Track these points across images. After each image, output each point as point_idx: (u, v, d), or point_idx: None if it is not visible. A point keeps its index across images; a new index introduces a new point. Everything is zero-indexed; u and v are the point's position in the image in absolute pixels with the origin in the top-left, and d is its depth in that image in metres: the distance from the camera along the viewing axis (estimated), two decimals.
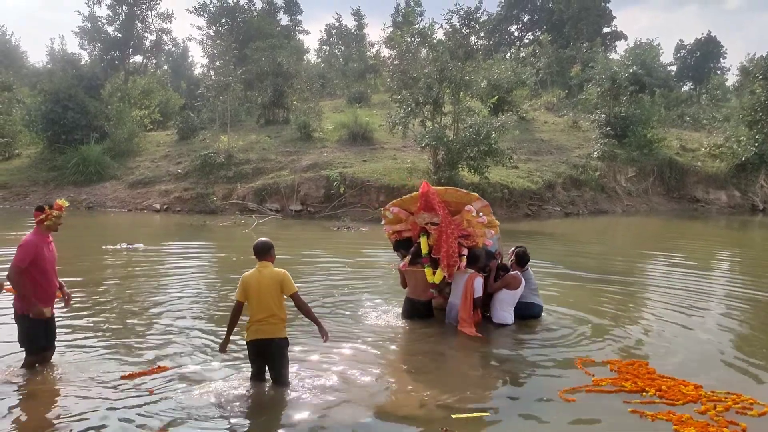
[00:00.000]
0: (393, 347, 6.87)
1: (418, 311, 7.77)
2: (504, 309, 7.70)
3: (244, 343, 5.52)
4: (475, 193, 7.74)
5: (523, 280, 7.77)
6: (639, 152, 27.50)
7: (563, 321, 8.10)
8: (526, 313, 7.87)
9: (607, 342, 7.21)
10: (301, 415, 4.99)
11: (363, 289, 9.84)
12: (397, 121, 22.75)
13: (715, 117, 35.61)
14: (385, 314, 8.17)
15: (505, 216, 21.13)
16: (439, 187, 7.79)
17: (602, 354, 6.72)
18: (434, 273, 7.52)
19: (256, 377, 5.45)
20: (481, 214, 7.51)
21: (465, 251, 7.50)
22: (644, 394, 5.51)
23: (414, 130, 23.12)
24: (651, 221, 23.55)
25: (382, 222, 8.25)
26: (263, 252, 5.44)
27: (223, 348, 5.53)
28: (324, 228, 18.73)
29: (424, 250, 7.58)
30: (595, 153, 27.24)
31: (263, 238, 5.57)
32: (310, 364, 6.06)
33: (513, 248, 8.24)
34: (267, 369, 5.44)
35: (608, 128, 28.32)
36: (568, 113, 33.33)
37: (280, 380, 5.39)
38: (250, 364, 5.49)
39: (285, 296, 5.36)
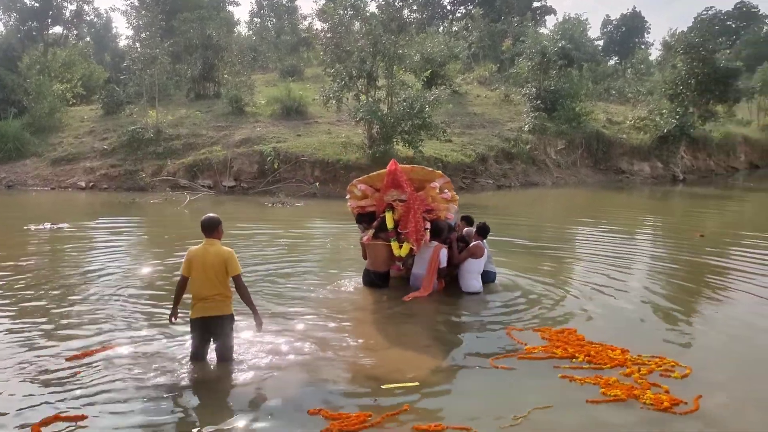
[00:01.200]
0: (337, 320, 6.90)
1: (376, 282, 8.08)
2: (472, 278, 8.10)
3: (187, 320, 5.45)
4: (439, 171, 8.32)
5: (485, 248, 8.27)
6: (568, 125, 28.18)
7: (499, 290, 8.34)
8: (484, 280, 8.30)
9: (540, 310, 7.43)
10: (240, 390, 5.00)
11: (303, 264, 9.84)
12: (331, 95, 22.49)
13: (639, 91, 36.78)
14: (330, 287, 8.26)
15: None
16: (405, 166, 8.15)
17: (534, 322, 6.92)
18: (400, 247, 7.90)
19: (196, 356, 5.38)
20: (446, 190, 8.08)
21: (428, 225, 7.90)
22: (574, 360, 5.70)
23: (348, 104, 22.93)
24: (579, 192, 24.30)
25: (347, 197, 8.51)
26: (210, 229, 5.35)
27: (171, 317, 5.44)
28: (258, 204, 18.47)
29: (390, 224, 7.95)
30: (526, 126, 27.76)
31: (211, 214, 5.46)
32: (252, 340, 6.04)
33: (460, 218, 8.84)
34: (210, 346, 5.39)
35: (538, 102, 28.85)
36: (500, 87, 33.74)
37: (225, 356, 5.37)
38: (191, 343, 5.41)
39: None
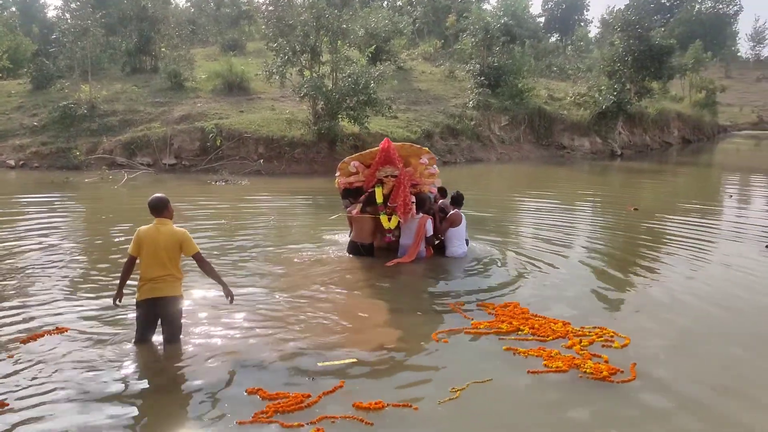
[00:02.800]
0: (295, 295, 6.91)
1: (361, 252, 8.61)
2: (455, 244, 8.80)
3: (132, 302, 5.36)
4: (426, 148, 9.09)
5: (462, 216, 8.87)
6: (511, 101, 28.56)
7: (448, 264, 8.52)
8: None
9: (486, 283, 7.58)
10: (182, 372, 4.95)
11: (250, 240, 9.81)
12: (274, 71, 22.07)
13: (579, 67, 37.56)
14: (284, 262, 8.33)
15: None
16: (397, 143, 8.70)
17: (477, 296, 7.06)
18: (389, 219, 8.49)
19: (142, 339, 5.30)
20: (434, 165, 8.93)
21: (413, 198, 8.54)
22: (519, 332, 5.85)
23: (292, 80, 22.58)
24: (522, 168, 24.77)
25: (337, 174, 9.08)
26: (159, 208, 5.25)
27: (116, 299, 5.31)
28: (201, 182, 18.10)
29: (379, 199, 8.50)
30: (471, 102, 27.99)
31: (158, 194, 5.36)
32: (203, 318, 6.00)
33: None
34: (156, 329, 5.33)
35: (482, 78, 29.10)
36: (444, 63, 33.87)
37: (173, 339, 5.30)
38: (136, 326, 5.32)
39: (184, 257, 5.26)
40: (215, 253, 8.82)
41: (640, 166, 26.10)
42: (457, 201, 9.10)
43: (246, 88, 26.09)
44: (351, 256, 8.66)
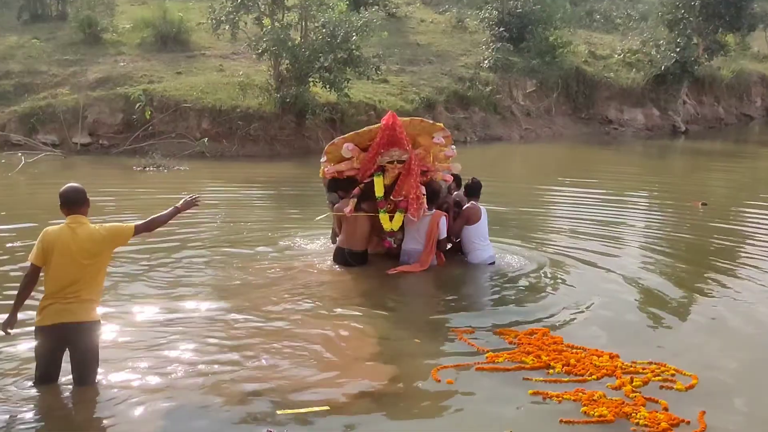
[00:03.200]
0: (257, 314, 6.96)
1: (350, 263, 8.67)
2: (477, 246, 8.90)
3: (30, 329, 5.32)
4: (440, 123, 9.10)
5: (482, 210, 8.95)
6: (540, 60, 28.58)
7: (463, 274, 8.61)
8: None
9: (507, 302, 7.61)
10: (103, 424, 4.93)
11: (199, 244, 9.97)
12: (223, 19, 22.00)
13: (630, 15, 37.63)
14: (239, 270, 8.46)
15: None
16: (404, 118, 8.74)
17: (495, 319, 7.05)
18: (391, 219, 8.53)
19: (44, 380, 5.24)
20: (452, 147, 9.03)
21: (423, 189, 8.50)
22: (550, 371, 5.85)
23: (247, 31, 22.52)
24: (554, 149, 24.87)
25: (323, 160, 9.02)
26: (76, 203, 5.23)
27: (7, 326, 5.21)
28: (125, 167, 18.06)
29: (379, 192, 8.48)
30: (486, 62, 28.01)
31: (74, 183, 5.33)
32: (127, 351, 5.96)
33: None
34: (63, 365, 5.26)
35: (502, 29, 29.12)
36: (451, 9, 33.86)
37: (86, 378, 5.25)
38: (36, 361, 5.25)
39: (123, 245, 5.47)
40: (149, 263, 8.81)
41: (711, 146, 26.30)
42: (474, 191, 9.15)
43: (185, 41, 26.01)
44: (336, 267, 8.72)
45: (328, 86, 21.23)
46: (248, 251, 9.42)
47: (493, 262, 8.97)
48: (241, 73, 23.29)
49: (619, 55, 32.00)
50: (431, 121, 9.01)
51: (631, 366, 5.93)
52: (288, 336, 6.50)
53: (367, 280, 8.24)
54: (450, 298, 7.94)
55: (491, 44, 28.77)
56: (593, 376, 5.73)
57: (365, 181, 8.65)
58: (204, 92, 21.49)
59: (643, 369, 5.87)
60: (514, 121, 27.30)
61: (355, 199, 8.61)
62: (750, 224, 12.12)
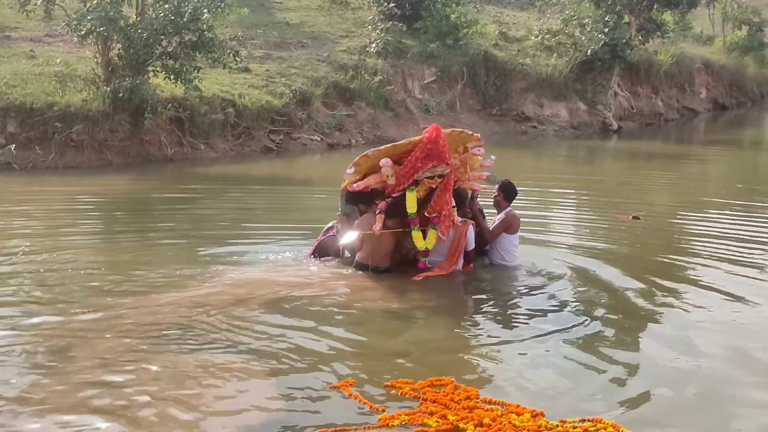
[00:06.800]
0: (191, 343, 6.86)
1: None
2: (506, 259, 10.10)
3: None
4: (477, 134, 10.11)
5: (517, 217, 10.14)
6: (440, 44, 28.98)
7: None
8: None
9: (405, 339, 7.55)
10: None
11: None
12: None
13: None
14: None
15: (232, 152, 21.66)
16: (444, 130, 9.44)
17: (386, 367, 6.92)
18: (425, 237, 9.42)
19: None
20: (492, 157, 10.21)
21: (452, 202, 9.41)
22: None
23: (65, 7, 22.04)
24: None
25: (349, 171, 9.78)
26: None
27: None
28: None
29: (412, 208, 9.30)
30: (374, 46, 28.20)
31: None
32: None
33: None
34: None
35: (392, 5, 29.39)
36: None
37: None
38: None
39: None
40: None
41: (649, 147, 27.16)
42: (510, 194, 10.16)
43: None
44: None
45: (172, 77, 21.03)
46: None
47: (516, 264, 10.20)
48: (58, 60, 22.92)
49: (537, 36, 32.78)
50: (470, 132, 10.05)
51: (559, 426, 5.86)
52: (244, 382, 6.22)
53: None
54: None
55: (379, 23, 29.05)
56: None
57: (393, 195, 9.55)
58: (9, 86, 20.84)
59: (574, 428, 5.82)
60: (409, 119, 27.52)
61: (383, 215, 9.43)
62: (691, 236, 12.53)
